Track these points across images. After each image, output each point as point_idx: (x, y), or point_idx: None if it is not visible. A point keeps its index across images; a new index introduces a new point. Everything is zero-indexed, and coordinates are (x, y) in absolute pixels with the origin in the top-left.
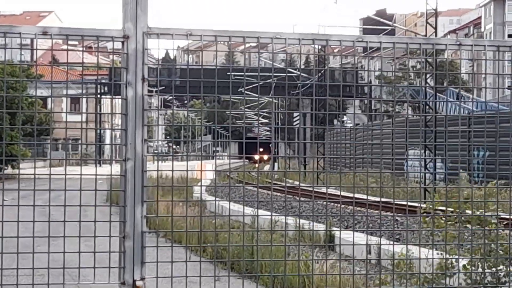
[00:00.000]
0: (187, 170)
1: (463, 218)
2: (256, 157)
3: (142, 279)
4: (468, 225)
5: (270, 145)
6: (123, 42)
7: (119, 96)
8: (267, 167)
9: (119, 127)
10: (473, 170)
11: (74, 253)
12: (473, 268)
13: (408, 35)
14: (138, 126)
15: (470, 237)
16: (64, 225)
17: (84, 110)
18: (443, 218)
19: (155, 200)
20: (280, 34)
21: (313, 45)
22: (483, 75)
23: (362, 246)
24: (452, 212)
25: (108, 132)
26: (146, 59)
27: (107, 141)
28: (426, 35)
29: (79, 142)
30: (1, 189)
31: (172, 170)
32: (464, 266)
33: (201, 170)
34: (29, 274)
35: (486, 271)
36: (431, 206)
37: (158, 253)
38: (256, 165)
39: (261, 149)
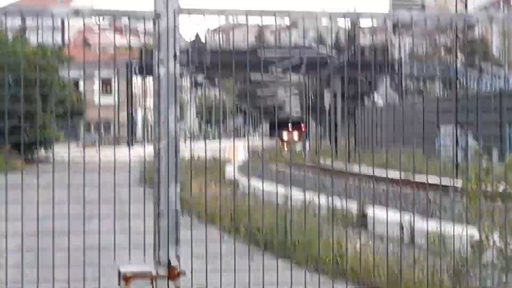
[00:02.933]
0: (219, 149)
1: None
2: (285, 136)
3: (177, 256)
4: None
5: (301, 123)
6: (154, 22)
7: (151, 76)
8: (297, 148)
9: (151, 108)
10: (506, 146)
11: (109, 236)
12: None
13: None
14: (171, 103)
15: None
16: (99, 206)
17: (116, 93)
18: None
19: (188, 179)
20: (311, 12)
21: (344, 18)
22: None
23: (395, 225)
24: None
25: (139, 115)
26: (177, 36)
27: (139, 123)
28: (456, 11)
29: (111, 125)
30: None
31: (205, 149)
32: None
33: (233, 148)
34: (64, 256)
35: None
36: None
37: (192, 234)
38: (286, 145)
39: (291, 129)
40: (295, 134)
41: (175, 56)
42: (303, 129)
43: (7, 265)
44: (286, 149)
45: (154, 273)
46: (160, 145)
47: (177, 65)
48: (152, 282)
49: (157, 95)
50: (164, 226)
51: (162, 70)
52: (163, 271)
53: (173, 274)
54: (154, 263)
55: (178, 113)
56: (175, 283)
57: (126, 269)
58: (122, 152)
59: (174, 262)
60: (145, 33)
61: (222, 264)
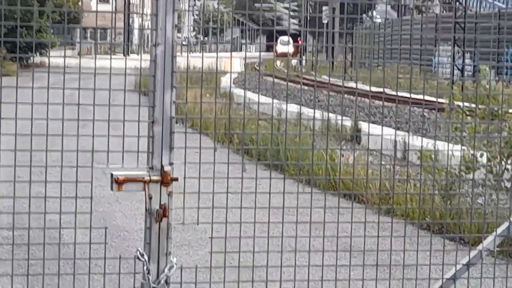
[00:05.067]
0: (216, 57)
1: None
2: (280, 49)
3: (170, 164)
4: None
5: (298, 38)
6: None
7: None
8: (294, 61)
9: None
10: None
11: (102, 140)
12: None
13: None
14: (169, 11)
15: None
16: (94, 110)
17: (113, 0)
18: (468, 112)
19: (184, 85)
20: None
21: None
22: None
23: (388, 142)
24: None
25: (136, 23)
26: None
27: (136, 32)
28: None
29: (109, 30)
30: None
31: (202, 57)
32: (487, 161)
33: (231, 57)
34: (57, 161)
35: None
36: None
37: (186, 141)
38: (282, 58)
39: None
40: (291, 48)
41: None
42: (299, 43)
43: None
44: (281, 62)
45: (147, 178)
46: (157, 51)
47: None
48: (144, 187)
49: (155, 2)
50: (158, 133)
51: None
52: (156, 176)
53: (166, 179)
54: (147, 168)
55: (176, 20)
56: (168, 189)
57: (119, 172)
58: (118, 61)
59: (167, 168)
60: None
61: (215, 173)
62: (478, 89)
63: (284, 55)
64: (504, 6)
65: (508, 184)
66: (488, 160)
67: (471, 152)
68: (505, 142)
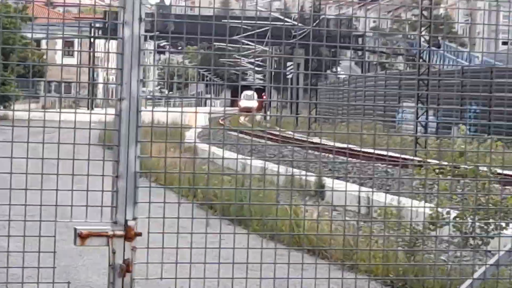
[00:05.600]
0: (181, 112)
1: (456, 171)
2: (243, 104)
3: (134, 219)
4: (461, 179)
5: (263, 93)
6: None
7: (115, 37)
8: (258, 116)
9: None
10: (466, 124)
11: (66, 194)
12: (463, 220)
13: None
14: (134, 66)
15: (461, 190)
16: (58, 164)
17: (78, 54)
18: (435, 170)
19: (149, 140)
20: None
21: None
22: (477, 32)
23: (352, 197)
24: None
25: (101, 77)
26: None
27: (100, 86)
28: None
29: (73, 84)
30: None
31: (167, 111)
32: (454, 218)
33: (196, 112)
34: (20, 214)
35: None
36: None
37: (150, 196)
38: (246, 113)
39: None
40: (255, 102)
41: (140, 18)
42: (263, 98)
43: None
44: (245, 117)
45: (110, 232)
46: (122, 105)
47: (142, 28)
48: (108, 242)
49: (121, 56)
50: (122, 187)
51: (127, 32)
52: (120, 231)
53: (129, 234)
54: (111, 223)
55: (141, 75)
56: (131, 244)
57: (82, 227)
58: (83, 114)
59: (131, 223)
60: None
61: (179, 228)
62: (453, 148)
63: (247, 110)
64: (466, 63)
65: (473, 242)
66: (456, 217)
67: (439, 210)
68: (478, 204)
